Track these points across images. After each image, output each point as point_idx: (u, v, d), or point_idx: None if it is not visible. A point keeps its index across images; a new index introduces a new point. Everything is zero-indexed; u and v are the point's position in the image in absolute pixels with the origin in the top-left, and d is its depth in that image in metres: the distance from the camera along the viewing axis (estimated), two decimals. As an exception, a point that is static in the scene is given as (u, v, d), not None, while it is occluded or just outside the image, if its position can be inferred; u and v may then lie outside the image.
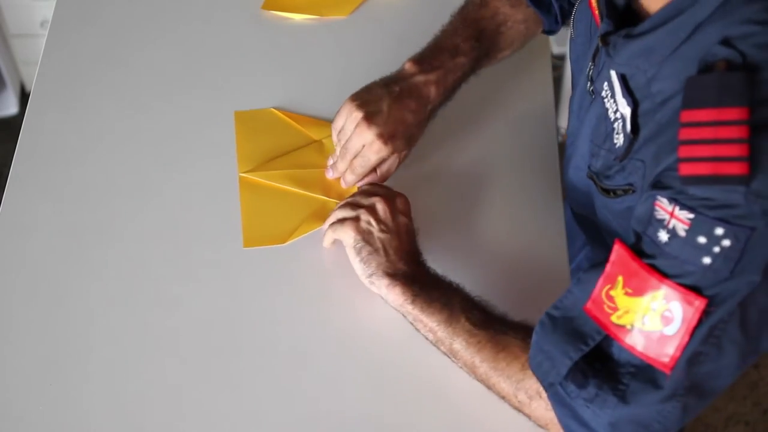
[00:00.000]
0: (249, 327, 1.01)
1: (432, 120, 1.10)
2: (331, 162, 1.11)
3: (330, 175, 1.11)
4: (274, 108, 1.18)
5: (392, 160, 1.07)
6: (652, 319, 0.76)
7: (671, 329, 0.75)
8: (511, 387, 0.90)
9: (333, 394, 0.97)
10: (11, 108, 2.28)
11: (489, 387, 0.93)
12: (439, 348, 0.95)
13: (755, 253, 0.72)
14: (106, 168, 1.13)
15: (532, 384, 0.88)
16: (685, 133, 0.73)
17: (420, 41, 1.19)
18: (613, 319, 0.79)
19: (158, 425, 0.94)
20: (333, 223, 1.02)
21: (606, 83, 0.87)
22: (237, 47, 1.26)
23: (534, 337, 0.86)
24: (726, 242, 0.72)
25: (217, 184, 1.11)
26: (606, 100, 0.88)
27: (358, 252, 0.98)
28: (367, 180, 1.08)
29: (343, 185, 1.10)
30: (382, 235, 0.98)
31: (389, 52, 1.22)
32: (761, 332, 0.77)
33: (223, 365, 0.98)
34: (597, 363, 0.81)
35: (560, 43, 2.32)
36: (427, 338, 0.96)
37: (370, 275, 0.98)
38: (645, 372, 0.78)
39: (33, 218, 1.08)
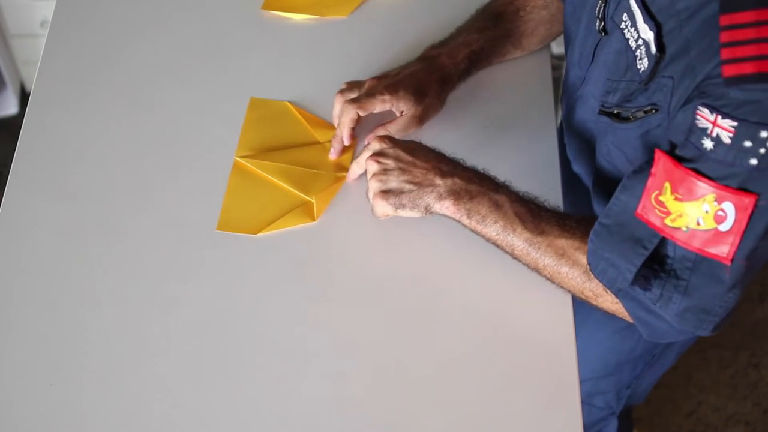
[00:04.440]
0: (249, 327, 1.01)
1: (452, 91, 1.15)
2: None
3: (333, 155, 1.13)
4: (288, 102, 1.19)
5: (406, 119, 1.11)
6: (706, 220, 0.81)
7: (726, 226, 0.80)
8: (576, 287, 0.97)
9: (332, 394, 0.97)
10: (11, 108, 2.28)
11: (555, 284, 0.99)
12: (502, 251, 1.00)
13: None
14: (106, 168, 1.13)
15: (596, 285, 0.94)
16: (727, 36, 0.76)
17: (420, 41, 1.20)
18: (667, 222, 0.83)
19: (158, 425, 0.94)
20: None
21: (625, 14, 0.90)
22: (237, 47, 1.26)
23: (590, 245, 0.91)
24: None
25: (217, 185, 1.11)
26: (626, 30, 0.90)
27: (403, 207, 1.00)
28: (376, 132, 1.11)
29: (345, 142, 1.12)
30: (402, 177, 1.00)
31: (389, 52, 1.23)
32: None
33: (224, 365, 0.98)
34: (655, 264, 0.86)
35: (560, 43, 2.31)
36: (488, 242, 1.00)
37: (425, 212, 1.00)
38: (702, 264, 0.84)
39: (33, 218, 1.08)
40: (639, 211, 0.86)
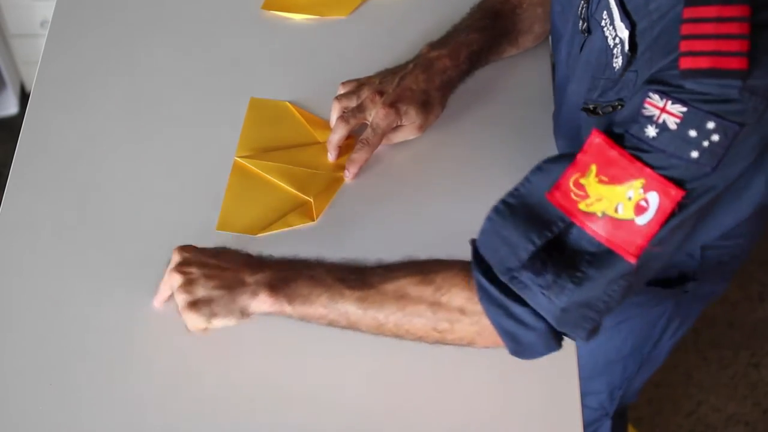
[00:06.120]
0: (249, 327, 1.01)
1: (453, 93, 1.14)
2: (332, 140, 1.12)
3: (331, 158, 1.13)
4: (288, 102, 1.19)
5: (408, 129, 1.11)
6: (626, 208, 0.78)
7: (643, 219, 0.78)
8: (427, 324, 0.89)
9: (332, 394, 0.97)
10: (11, 108, 2.28)
11: (402, 336, 0.91)
12: (337, 326, 0.92)
13: (737, 150, 0.75)
14: (107, 168, 1.13)
15: (449, 310, 0.88)
16: (687, 29, 0.76)
17: (420, 41, 1.20)
18: (582, 206, 0.80)
19: (158, 425, 0.94)
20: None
21: (605, 12, 0.90)
22: (237, 47, 1.26)
23: (487, 224, 0.86)
24: (715, 137, 0.75)
25: (217, 185, 1.11)
26: (605, 28, 0.90)
27: (216, 316, 0.92)
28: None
29: (353, 158, 1.10)
30: (210, 283, 0.92)
31: (389, 52, 1.22)
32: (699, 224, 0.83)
33: (224, 365, 0.98)
34: (554, 251, 0.83)
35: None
36: (320, 323, 0.92)
37: (241, 315, 0.92)
38: (602, 258, 0.81)
39: (33, 218, 1.08)
40: (552, 193, 0.82)
